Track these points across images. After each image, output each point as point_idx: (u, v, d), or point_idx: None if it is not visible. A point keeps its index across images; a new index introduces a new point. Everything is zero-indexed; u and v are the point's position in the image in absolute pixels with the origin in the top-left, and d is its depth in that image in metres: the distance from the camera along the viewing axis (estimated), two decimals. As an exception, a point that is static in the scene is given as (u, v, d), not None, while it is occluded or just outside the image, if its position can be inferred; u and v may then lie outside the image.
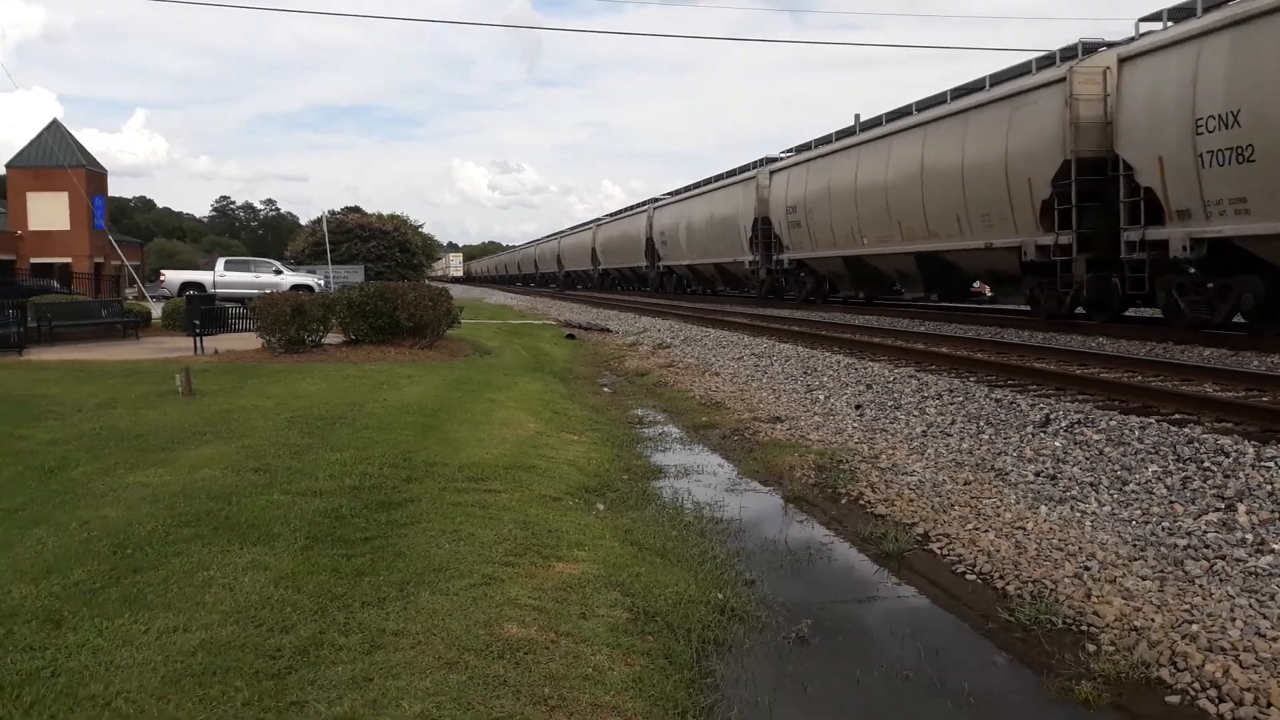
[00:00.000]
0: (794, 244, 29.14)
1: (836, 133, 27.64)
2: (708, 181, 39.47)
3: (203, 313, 18.21)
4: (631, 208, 53.41)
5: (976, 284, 24.87)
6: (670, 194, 45.43)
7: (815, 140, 29.33)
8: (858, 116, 27.02)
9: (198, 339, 17.21)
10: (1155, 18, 15.21)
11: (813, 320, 22.20)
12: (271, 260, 36.91)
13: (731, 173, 36.49)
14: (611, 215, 59.56)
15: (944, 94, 21.85)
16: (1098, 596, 4.97)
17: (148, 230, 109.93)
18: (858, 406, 10.79)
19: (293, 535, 5.48)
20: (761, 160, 33.31)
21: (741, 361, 15.78)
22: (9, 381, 12.31)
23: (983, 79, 20.34)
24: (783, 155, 32.08)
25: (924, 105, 22.42)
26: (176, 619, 4.21)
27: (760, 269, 32.11)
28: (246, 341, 17.48)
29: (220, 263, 34.95)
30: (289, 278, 32.05)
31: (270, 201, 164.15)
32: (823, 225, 26.71)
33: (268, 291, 19.44)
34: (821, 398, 11.66)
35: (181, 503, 6.12)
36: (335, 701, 3.53)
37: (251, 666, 3.77)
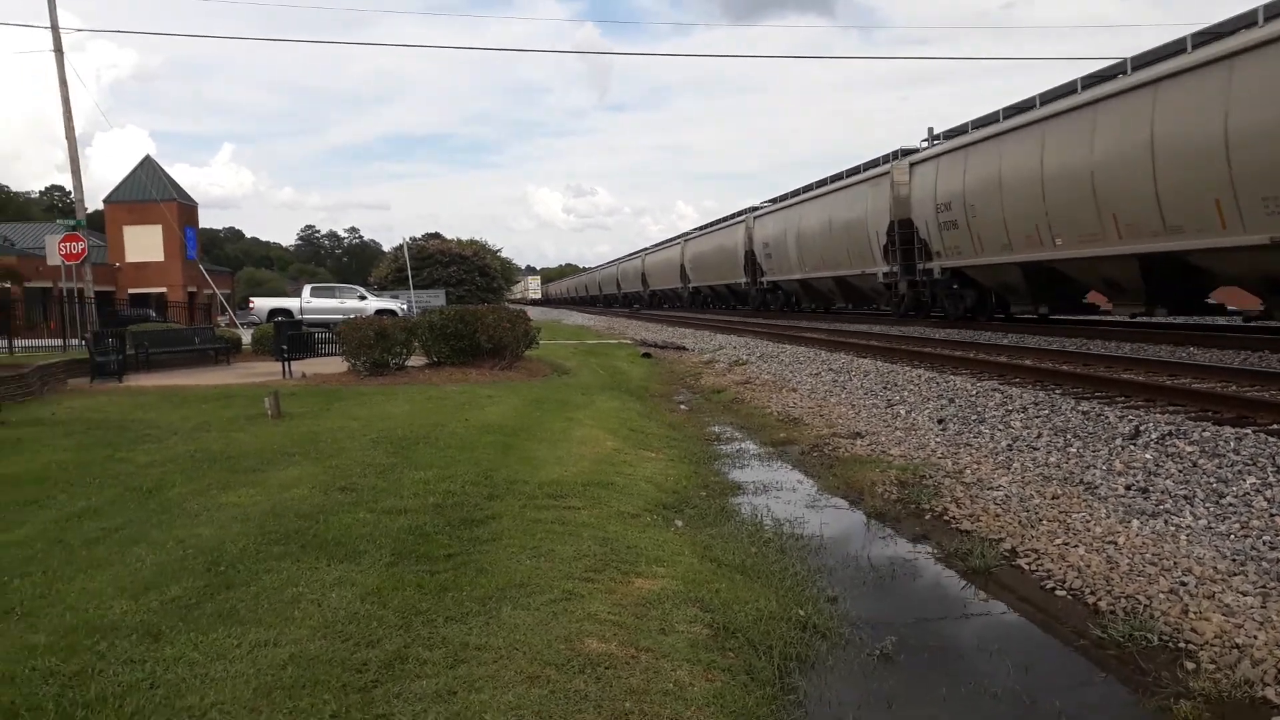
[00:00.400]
0: (769, 270, 35.23)
1: (791, 192, 35.02)
2: (824, 183, 33.91)
3: (290, 338, 18.71)
4: (727, 218, 49.15)
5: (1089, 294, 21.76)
6: (773, 200, 41.49)
7: (779, 196, 32.66)
8: (930, 130, 26.35)
9: (286, 363, 17.68)
10: (930, 137, 25.66)
11: (891, 335, 21.83)
12: (356, 286, 37.78)
13: (855, 170, 31.02)
14: (702, 228, 56.12)
15: (840, 174, 31.63)
16: (1195, 613, 4.80)
17: (237, 259, 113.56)
18: (940, 421, 10.61)
19: (378, 552, 5.59)
20: (896, 153, 27.55)
21: (819, 377, 15.64)
22: (109, 407, 12.79)
23: (857, 166, 30.70)
24: (763, 205, 34.34)
25: (834, 179, 32.58)
26: (267, 633, 4.32)
27: (899, 281, 26.98)
28: (332, 365, 17.91)
29: (306, 289, 35.89)
30: (373, 303, 32.74)
31: (353, 229, 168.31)
32: (784, 257, 33.32)
33: (352, 316, 19.91)
34: (902, 412, 11.50)
35: (271, 521, 6.28)
36: (420, 714, 3.59)
37: (339, 679, 3.86)
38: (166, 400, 13.54)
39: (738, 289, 45.21)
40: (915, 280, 25.83)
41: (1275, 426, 8.03)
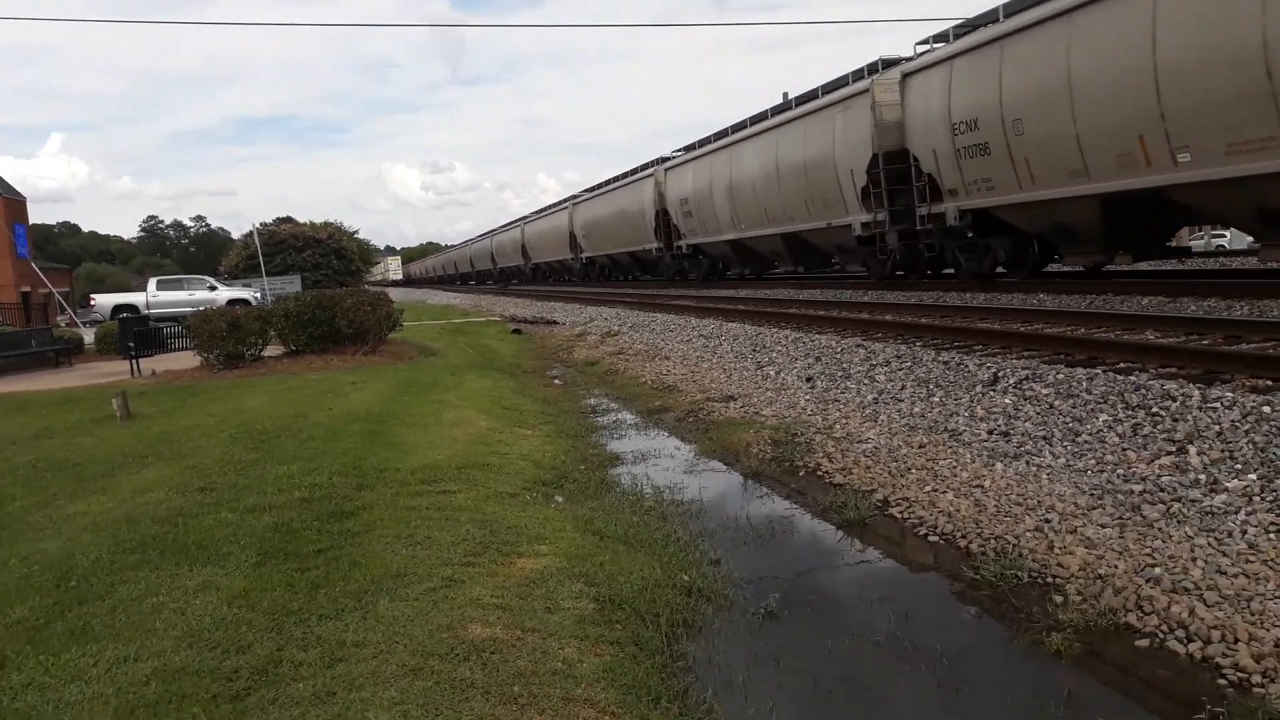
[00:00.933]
0: (689, 231, 33.15)
1: (713, 134, 32.29)
2: (616, 179, 43.44)
3: (137, 334, 17.73)
4: (554, 205, 57.56)
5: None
6: (587, 190, 49.52)
7: (697, 141, 33.87)
8: (785, 94, 27.67)
9: (133, 361, 16.76)
10: (925, 41, 19.17)
11: (758, 298, 22.19)
12: (205, 277, 36.16)
13: (633, 171, 40.75)
14: (537, 212, 63.26)
15: (789, 102, 26.22)
16: (1060, 548, 4.99)
17: (74, 255, 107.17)
18: (809, 379, 10.80)
19: (244, 553, 5.32)
20: (658, 160, 36.21)
21: (690, 344, 15.74)
22: (-64, 419, 11.87)
23: (816, 89, 24.50)
24: (674, 154, 36.43)
25: (777, 110, 26.93)
26: (126, 649, 4.05)
27: (665, 254, 35.63)
28: (184, 361, 17.07)
29: (152, 283, 34.15)
30: (224, 293, 31.42)
31: (200, 218, 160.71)
32: (709, 214, 31.29)
33: (203, 308, 19.01)
34: (772, 373, 11.66)
35: (125, 529, 5.91)
36: (298, 719, 3.41)
37: (208, 691, 3.64)
38: (1, 408, 12.64)
39: (646, 257, 39.09)
40: (674, 253, 29.49)
41: (1123, 365, 8.45)
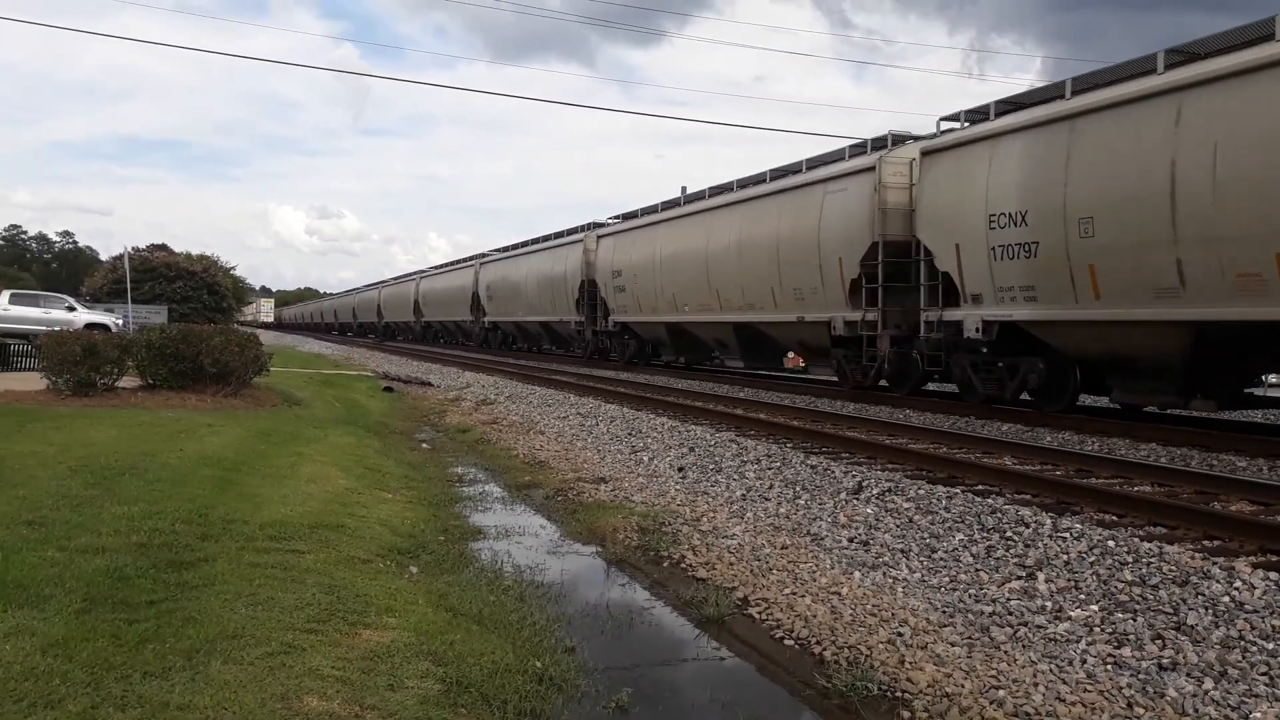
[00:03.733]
0: (618, 307, 29.67)
1: (662, 203, 28.31)
2: (537, 241, 39.13)
3: (-21, 349, 16.65)
4: (458, 261, 53.48)
5: (790, 354, 24.31)
6: (500, 250, 46.24)
7: (641, 209, 30.06)
8: (684, 189, 28.09)
9: (-29, 377, 15.69)
10: (954, 118, 16.14)
11: (637, 382, 22.34)
12: (64, 296, 34.43)
13: (560, 234, 36.74)
14: (436, 268, 60.13)
15: (764, 174, 22.73)
16: (910, 663, 5.05)
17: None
18: (680, 469, 10.83)
19: (67, 597, 4.94)
20: (589, 224, 34.06)
21: (566, 420, 15.65)
22: None
23: (799, 162, 21.23)
24: (610, 220, 32.77)
25: (744, 183, 23.29)
26: (-83, 695, 3.67)
27: (586, 329, 32.56)
28: (29, 382, 16.06)
29: (4, 296, 32.26)
30: (83, 315, 29.91)
31: (67, 234, 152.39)
32: (647, 291, 27.56)
33: (58, 329, 18.00)
34: (646, 459, 11.66)
35: (-65, 560, 5.43)
36: (103, 789, 3.13)
37: (5, 750, 3.32)
38: None
39: (465, 326, 48.90)
40: (597, 330, 31.75)
41: (980, 487, 8.75)
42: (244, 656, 4.32)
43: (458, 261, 53.94)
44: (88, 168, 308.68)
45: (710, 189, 25.36)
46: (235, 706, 3.79)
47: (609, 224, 32.70)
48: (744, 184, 23.34)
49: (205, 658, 4.27)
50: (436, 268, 60.83)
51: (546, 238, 38.68)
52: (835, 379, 19.95)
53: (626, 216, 31.59)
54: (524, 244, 42.05)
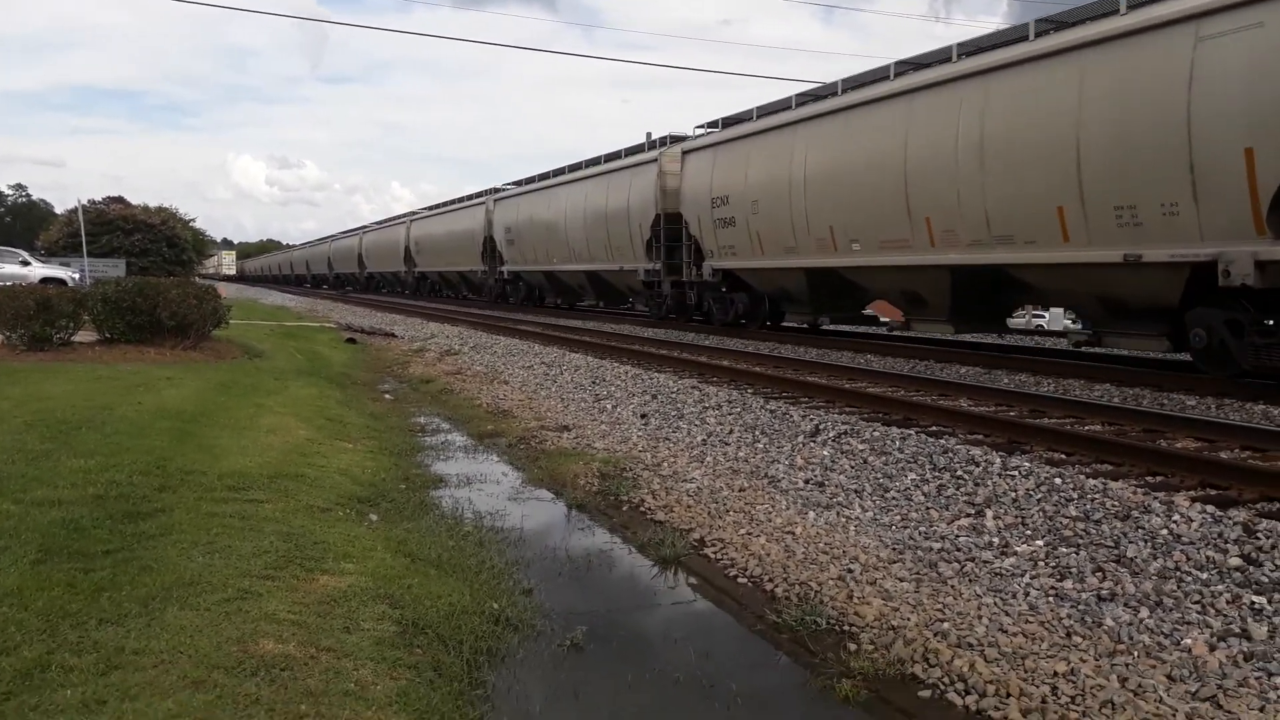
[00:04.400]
0: (511, 259, 36.74)
1: (538, 175, 35.09)
2: (452, 202, 45.39)
3: (-70, 304, 16.34)
4: (393, 218, 59.74)
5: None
6: (427, 209, 51.11)
7: (525, 179, 36.53)
8: (549, 173, 34.08)
9: (-77, 333, 15.42)
10: (703, 126, 23.60)
11: (604, 331, 22.39)
12: (18, 250, 33.74)
13: (467, 198, 43.27)
14: (377, 223, 64.58)
15: (598, 157, 30.35)
16: (859, 598, 5.18)
17: None
18: (643, 416, 10.92)
19: (22, 548, 4.94)
20: (666, 138, 26.58)
21: (531, 370, 15.68)
22: None
23: (618, 150, 28.99)
24: (506, 186, 38.82)
25: (590, 163, 30.76)
26: None
27: (489, 277, 39.05)
28: (-17, 338, 15.83)
29: (-44, 251, 31.64)
30: (38, 270, 29.40)
31: (20, 186, 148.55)
32: (529, 246, 34.64)
33: (10, 283, 17.72)
34: (609, 407, 11.73)
35: (-113, 514, 5.41)
36: (59, 731, 3.18)
37: (-41, 696, 3.35)
38: None
39: (473, 277, 42.49)
40: (498, 277, 32.66)
41: (934, 428, 8.91)
42: (200, 603, 4.36)
43: (393, 218, 53.87)
44: (39, 119, 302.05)
45: (568, 165, 33.07)
46: (191, 650, 3.84)
47: (505, 189, 37.26)
48: (588, 164, 31.46)
49: (161, 604, 4.30)
50: (377, 223, 61.55)
51: (457, 200, 40.55)
52: (644, 310, 28.28)
53: (519, 183, 35.75)
54: (444, 204, 43.32)
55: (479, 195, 42.15)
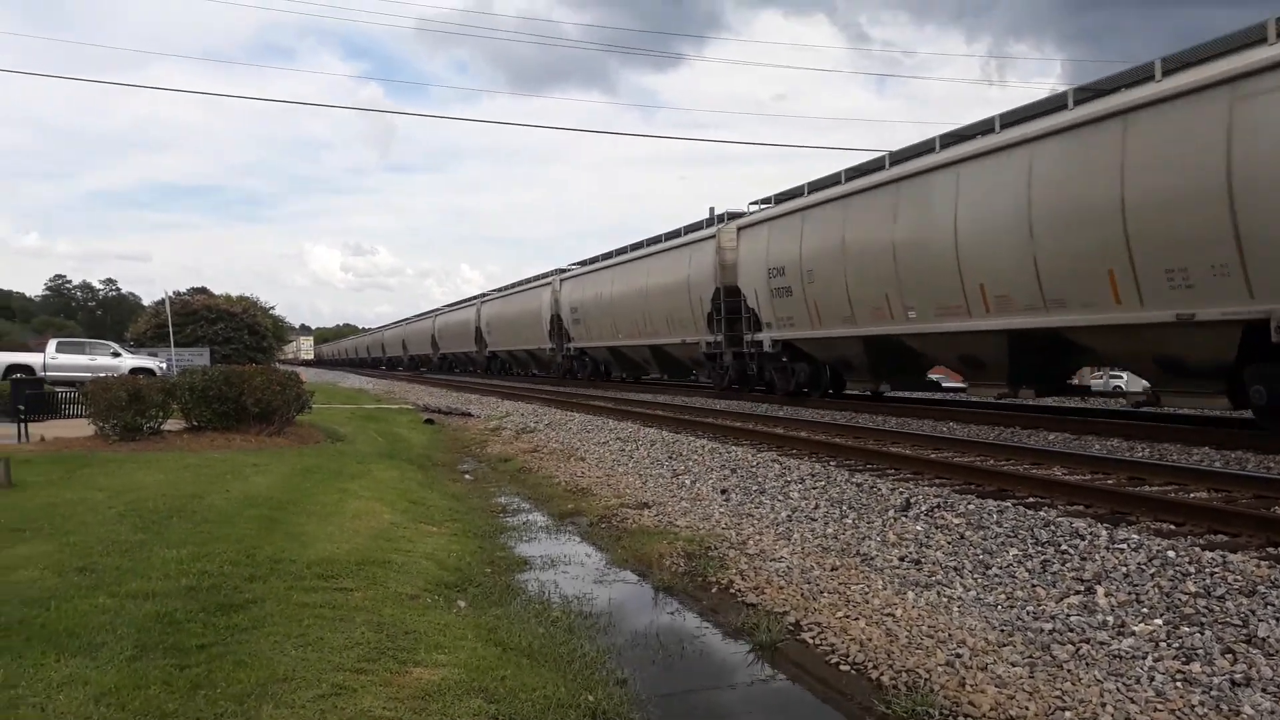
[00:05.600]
0: (577, 336, 37.84)
1: (601, 254, 36.44)
2: (520, 284, 46.82)
3: (29, 397, 16.94)
4: (464, 301, 61.24)
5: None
6: (496, 290, 53.07)
7: (589, 259, 37.82)
8: (613, 252, 35.14)
9: (22, 425, 15.95)
10: (757, 202, 24.44)
11: (675, 405, 22.30)
12: (109, 342, 34.96)
13: (534, 279, 44.57)
14: (449, 306, 67.04)
15: (658, 236, 31.60)
16: (971, 685, 4.92)
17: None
18: (724, 491, 10.74)
19: (119, 644, 4.95)
20: (722, 215, 26.74)
21: (607, 446, 15.61)
22: None
23: (677, 229, 29.91)
24: (571, 267, 40.17)
25: (651, 241, 32.05)
26: (-27, 749, 3.68)
27: (557, 354, 40.12)
28: (78, 428, 16.31)
29: (52, 344, 32.87)
30: (128, 360, 30.37)
31: (110, 281, 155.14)
32: (594, 322, 36.16)
33: (103, 375, 18.28)
34: (688, 482, 11.57)
35: (-11, 610, 5.47)
36: (159, 841, 3.10)
37: (60, 803, 3.30)
38: None
39: (541, 355, 43.92)
40: (565, 354, 32.65)
41: (1031, 499, 8.58)
42: (295, 699, 4.30)
43: (463, 301, 55.06)
44: (125, 216, 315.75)
45: (631, 245, 34.50)
46: (288, 752, 3.76)
47: (570, 269, 38.58)
48: (649, 242, 32.82)
49: (257, 702, 4.25)
50: (448, 306, 63.87)
51: (524, 281, 42.63)
52: (708, 383, 28.27)
53: (780, 199, 23.83)
54: (510, 286, 45.39)
55: (545, 276, 43.50)
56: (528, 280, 47.34)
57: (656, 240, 31.59)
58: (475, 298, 59.01)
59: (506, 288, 51.51)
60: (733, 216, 25.90)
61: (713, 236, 25.87)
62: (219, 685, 4.43)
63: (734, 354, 25.12)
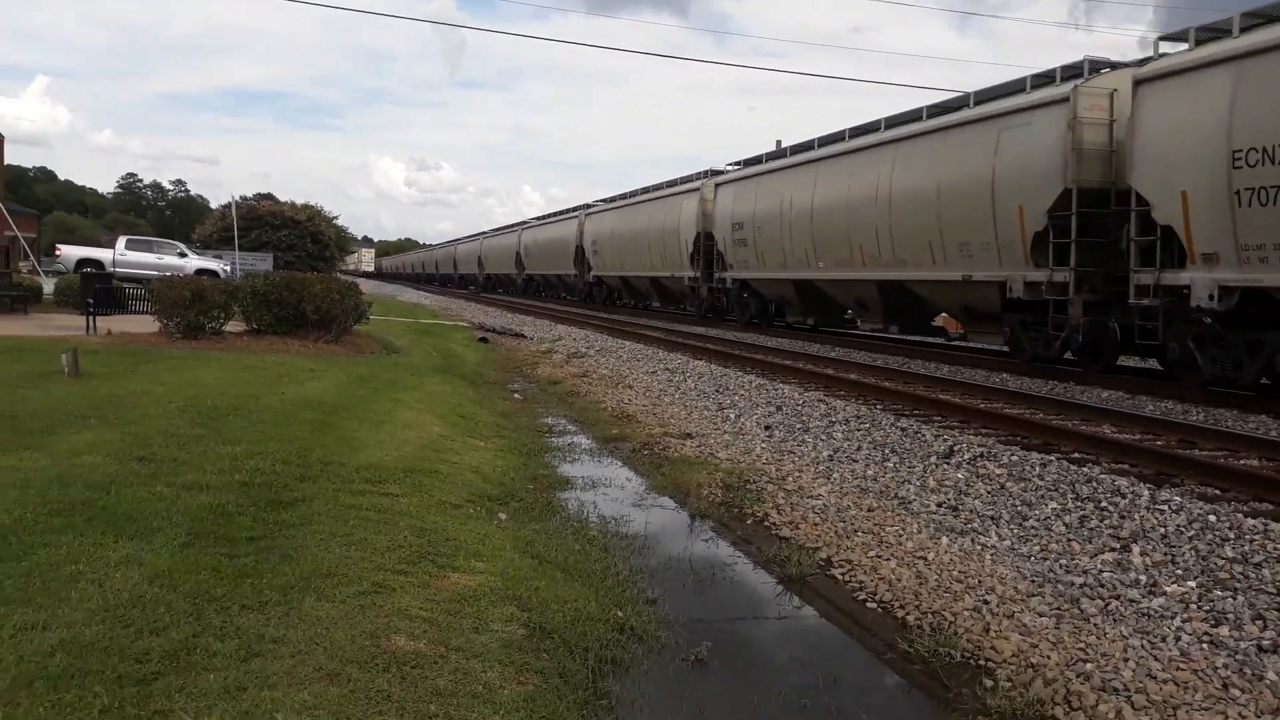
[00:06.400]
0: (738, 263, 27.29)
1: (791, 147, 25.02)
2: (647, 190, 36.69)
3: (98, 291, 17.46)
4: (562, 212, 51.38)
5: (944, 315, 21.98)
6: (605, 200, 44.10)
7: (766, 154, 26.70)
8: (779, 144, 26.81)
9: (90, 318, 16.47)
10: (1179, 37, 13.21)
11: (727, 339, 22.32)
12: (176, 243, 35.65)
13: (673, 183, 34.23)
14: (539, 219, 58.78)
15: (660, 184, 32.75)
16: (996, 631, 4.97)
17: (47, 203, 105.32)
18: (767, 427, 10.79)
19: (173, 530, 5.18)
20: (706, 172, 30.58)
21: (655, 375, 15.71)
22: (-123, 350, 11.56)
23: (965, 95, 18.20)
24: (728, 167, 29.67)
25: (894, 122, 20.06)
26: (36, 615, 3.91)
27: (701, 286, 30.40)
28: (143, 325, 16.79)
29: (121, 241, 33.58)
30: (193, 261, 30.99)
31: (180, 182, 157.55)
32: (610, 254, 37.60)
33: (170, 274, 18.74)
34: (732, 416, 11.64)
35: (55, 490, 5.75)
36: (204, 712, 3.30)
37: (115, 670, 3.51)
38: (-53, 348, 12.35)
39: (568, 280, 47.49)
40: (714, 286, 29.73)
41: (1077, 455, 8.52)
42: (337, 594, 4.48)
43: (563, 212, 51.67)
44: (196, 118, 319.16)
45: (851, 129, 21.76)
46: (326, 642, 3.94)
47: (727, 171, 29.08)
48: (893, 122, 20.02)
49: (300, 594, 4.43)
50: (539, 218, 58.57)
51: (657, 186, 35.55)
52: (1005, 349, 17.20)
53: (747, 163, 27.42)
54: (632, 194, 38.62)
55: (574, 210, 47.47)
56: (561, 212, 51.63)
57: (659, 187, 35.61)
58: (517, 225, 61.88)
59: (544, 218, 55.64)
60: (714, 173, 30.31)
61: (698, 189, 30.21)
62: (265, 576, 4.63)
63: (708, 288, 29.96)
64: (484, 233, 73.85)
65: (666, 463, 9.41)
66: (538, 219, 57.85)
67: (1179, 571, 5.62)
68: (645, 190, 37.11)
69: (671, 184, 34.34)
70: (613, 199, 42.57)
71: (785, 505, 7.60)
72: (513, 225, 64.23)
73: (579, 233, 44.13)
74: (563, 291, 50.20)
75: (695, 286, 31.01)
